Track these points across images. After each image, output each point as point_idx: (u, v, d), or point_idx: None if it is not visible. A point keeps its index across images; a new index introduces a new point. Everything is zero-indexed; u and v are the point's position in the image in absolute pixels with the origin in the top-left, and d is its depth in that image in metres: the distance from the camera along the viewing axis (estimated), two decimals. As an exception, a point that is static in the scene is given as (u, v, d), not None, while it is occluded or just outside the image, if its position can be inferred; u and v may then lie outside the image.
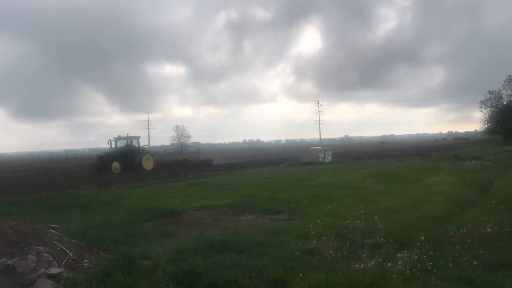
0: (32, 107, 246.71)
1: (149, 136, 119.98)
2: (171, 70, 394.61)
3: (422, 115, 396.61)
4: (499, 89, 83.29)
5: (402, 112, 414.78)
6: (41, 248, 5.90)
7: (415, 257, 6.33)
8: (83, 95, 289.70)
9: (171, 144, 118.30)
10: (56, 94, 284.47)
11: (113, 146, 38.43)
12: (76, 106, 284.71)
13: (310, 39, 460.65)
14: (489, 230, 7.99)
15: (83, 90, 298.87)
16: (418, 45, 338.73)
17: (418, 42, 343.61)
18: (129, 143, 38.61)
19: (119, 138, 39.00)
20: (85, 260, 6.12)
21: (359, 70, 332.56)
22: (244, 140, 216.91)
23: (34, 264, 5.49)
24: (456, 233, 7.93)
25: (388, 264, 5.98)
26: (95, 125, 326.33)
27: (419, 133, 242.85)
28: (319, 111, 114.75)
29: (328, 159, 37.14)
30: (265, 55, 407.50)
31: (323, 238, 7.70)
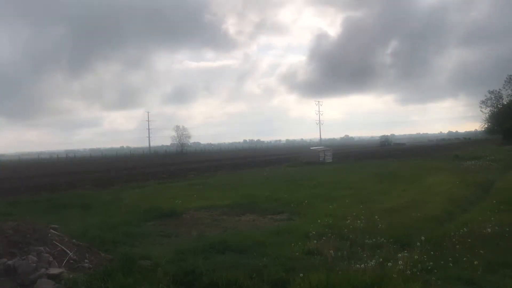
0: (13, 106, 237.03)
1: (149, 136, 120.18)
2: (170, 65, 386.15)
3: (431, 112, 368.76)
4: (499, 89, 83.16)
5: (407, 110, 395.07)
6: (42, 248, 5.90)
7: (416, 257, 6.35)
8: (67, 93, 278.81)
9: (171, 144, 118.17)
10: (38, 92, 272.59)
11: None
12: (59, 105, 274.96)
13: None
14: (489, 230, 8.00)
15: (69, 87, 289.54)
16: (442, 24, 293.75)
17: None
18: None
19: None
20: (86, 261, 6.12)
21: (364, 62, 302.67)
22: (245, 140, 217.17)
23: (34, 265, 5.49)
24: (457, 233, 7.92)
25: (388, 264, 5.99)
26: (81, 124, 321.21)
27: (419, 133, 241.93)
28: (319, 111, 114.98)
29: (328, 159, 37.20)
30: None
31: (324, 238, 7.71)
